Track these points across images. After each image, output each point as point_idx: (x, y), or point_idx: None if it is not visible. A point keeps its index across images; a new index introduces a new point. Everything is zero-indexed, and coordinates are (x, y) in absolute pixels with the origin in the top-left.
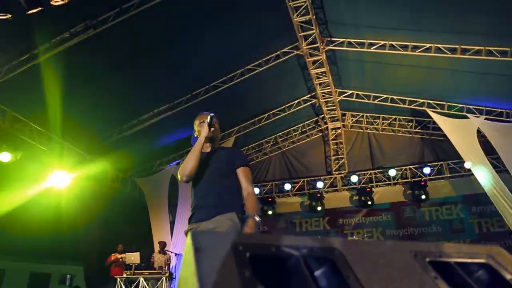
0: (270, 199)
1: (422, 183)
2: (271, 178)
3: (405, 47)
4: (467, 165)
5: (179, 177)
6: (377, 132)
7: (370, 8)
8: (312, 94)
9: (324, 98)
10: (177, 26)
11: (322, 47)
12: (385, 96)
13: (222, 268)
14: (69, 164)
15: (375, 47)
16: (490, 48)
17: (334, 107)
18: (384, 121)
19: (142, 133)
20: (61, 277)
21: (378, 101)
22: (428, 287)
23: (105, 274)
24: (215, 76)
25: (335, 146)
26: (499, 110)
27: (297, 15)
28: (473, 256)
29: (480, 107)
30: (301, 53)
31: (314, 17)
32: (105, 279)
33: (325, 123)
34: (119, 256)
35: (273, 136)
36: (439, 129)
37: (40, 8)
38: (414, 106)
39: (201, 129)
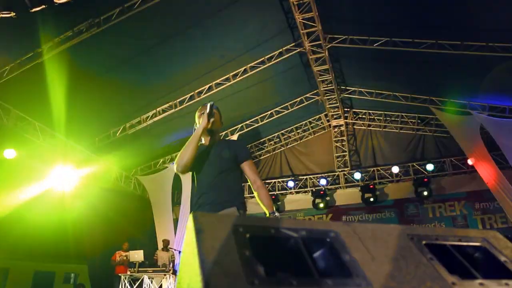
0: (273, 197)
1: (425, 179)
2: (275, 175)
3: (406, 44)
4: (470, 161)
5: (175, 167)
6: (380, 129)
7: (373, 4)
8: (315, 91)
9: (327, 96)
10: (180, 23)
11: (324, 44)
12: (387, 93)
13: (222, 248)
14: (72, 162)
15: (377, 44)
16: (492, 44)
17: (337, 105)
18: (387, 118)
19: (146, 132)
20: (65, 276)
21: (380, 98)
22: (423, 267)
23: (109, 272)
24: (219, 73)
25: (338, 144)
26: (502, 106)
27: (300, 12)
28: (469, 240)
29: (483, 104)
30: (304, 50)
31: (317, 14)
32: (109, 277)
33: (328, 120)
34: (124, 254)
35: (276, 134)
36: (442, 125)
37: (43, 6)
38: (417, 103)
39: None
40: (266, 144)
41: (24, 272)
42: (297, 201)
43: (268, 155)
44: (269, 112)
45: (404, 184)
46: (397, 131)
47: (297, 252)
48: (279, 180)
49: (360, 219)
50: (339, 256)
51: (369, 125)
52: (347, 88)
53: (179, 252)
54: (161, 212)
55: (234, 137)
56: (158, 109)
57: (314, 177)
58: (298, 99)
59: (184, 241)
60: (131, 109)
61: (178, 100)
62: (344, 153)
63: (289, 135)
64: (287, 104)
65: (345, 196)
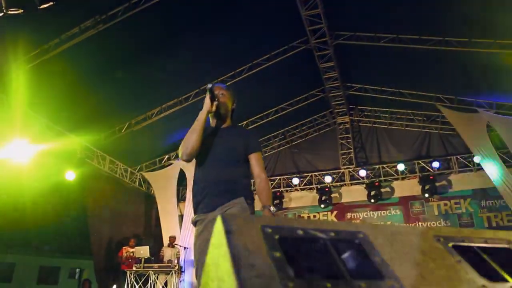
0: (278, 193)
1: (431, 177)
2: (279, 173)
3: (413, 41)
4: (476, 159)
5: (179, 154)
6: (386, 126)
7: (380, 1)
8: (321, 88)
9: (333, 93)
10: (185, 20)
11: (330, 41)
12: (393, 90)
13: (253, 250)
14: (76, 160)
15: (384, 40)
16: (500, 42)
17: (343, 102)
18: (393, 116)
19: (151, 128)
20: (70, 271)
21: (386, 95)
22: (453, 269)
23: (114, 268)
24: (224, 70)
25: (344, 141)
26: (509, 104)
27: (306, 9)
28: (495, 241)
29: (490, 101)
30: (309, 47)
31: (323, 10)
32: (115, 273)
33: (334, 117)
34: (130, 250)
35: (282, 131)
36: (448, 123)
37: (51, 3)
38: (423, 100)
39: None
40: (271, 141)
41: (30, 267)
42: (302, 198)
43: (274, 151)
44: (274, 109)
45: (410, 181)
46: (402, 128)
47: (327, 254)
48: (284, 177)
49: (365, 216)
50: (369, 258)
51: (374, 122)
52: (353, 85)
53: (185, 248)
54: (167, 208)
55: None
56: (163, 106)
57: (319, 174)
58: (304, 96)
59: (211, 243)
60: (137, 105)
61: (183, 97)
62: (350, 150)
63: (295, 132)
64: (292, 101)
65: (350, 193)
